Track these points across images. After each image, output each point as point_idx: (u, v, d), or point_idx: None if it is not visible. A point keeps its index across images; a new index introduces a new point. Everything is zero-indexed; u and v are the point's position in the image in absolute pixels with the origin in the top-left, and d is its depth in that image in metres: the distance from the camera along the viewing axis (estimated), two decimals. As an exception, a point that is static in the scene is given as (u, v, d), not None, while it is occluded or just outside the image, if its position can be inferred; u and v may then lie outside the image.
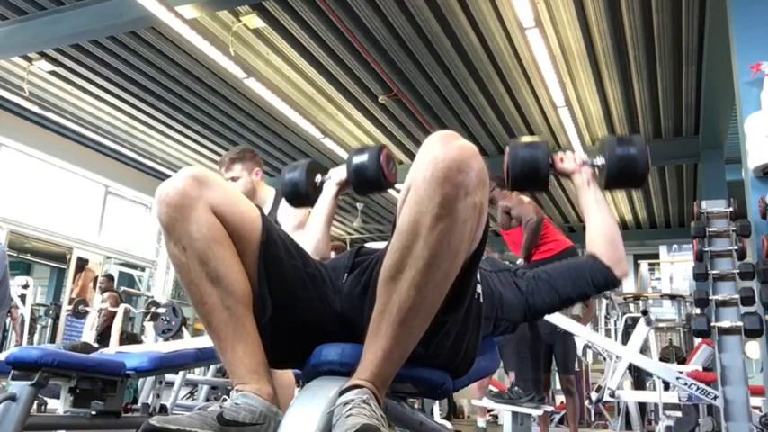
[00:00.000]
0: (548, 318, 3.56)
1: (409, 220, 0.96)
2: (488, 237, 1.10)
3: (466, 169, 0.94)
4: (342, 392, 0.97)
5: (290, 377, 2.14)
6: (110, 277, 7.45)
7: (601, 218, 1.55)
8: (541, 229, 3.92)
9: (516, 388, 3.50)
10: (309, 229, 1.73)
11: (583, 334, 4.21)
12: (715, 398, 3.26)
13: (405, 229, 0.97)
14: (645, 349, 7.87)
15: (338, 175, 1.73)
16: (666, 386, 6.24)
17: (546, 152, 1.55)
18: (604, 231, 1.53)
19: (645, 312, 3.72)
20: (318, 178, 1.78)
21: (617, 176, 1.53)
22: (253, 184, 2.84)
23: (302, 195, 1.78)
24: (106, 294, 6.87)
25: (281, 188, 1.84)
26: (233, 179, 2.80)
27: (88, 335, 6.56)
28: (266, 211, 2.75)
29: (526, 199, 4.12)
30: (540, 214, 3.99)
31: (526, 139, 1.61)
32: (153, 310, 4.78)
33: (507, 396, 3.52)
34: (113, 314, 6.33)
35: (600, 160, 1.57)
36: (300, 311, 1.17)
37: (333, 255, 1.64)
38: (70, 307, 7.31)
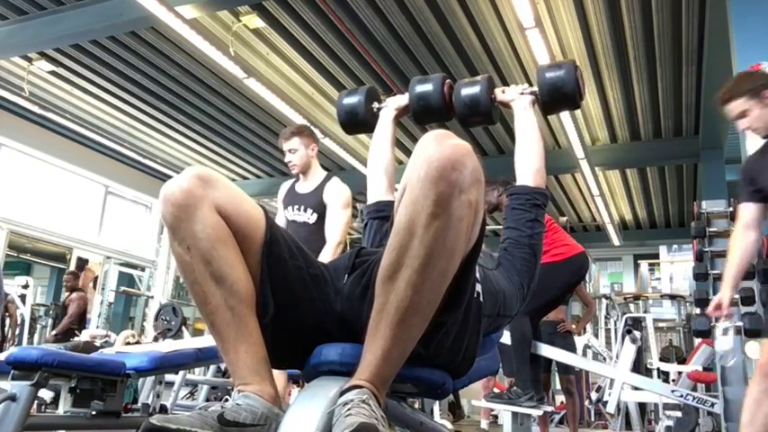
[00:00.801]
0: (545, 353, 3.58)
1: (405, 220, 0.96)
2: (489, 238, 1.10)
3: (460, 168, 0.94)
4: (342, 393, 0.97)
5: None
6: (75, 275, 7.13)
7: (527, 135, 1.67)
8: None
9: (515, 388, 3.50)
10: (375, 152, 1.79)
11: (576, 363, 4.19)
12: (712, 405, 3.25)
13: (400, 229, 0.97)
14: (645, 349, 7.88)
15: (396, 101, 1.80)
16: (666, 386, 6.23)
17: (487, 86, 1.67)
18: (528, 150, 1.65)
19: (629, 331, 3.70)
20: (375, 105, 1.82)
21: (549, 99, 1.66)
22: (308, 158, 3.11)
23: (359, 121, 1.82)
24: (74, 295, 6.65)
25: (337, 111, 1.87)
26: (291, 151, 3.08)
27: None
28: (311, 189, 3.07)
29: None
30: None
31: (469, 78, 1.73)
32: (160, 340, 4.72)
33: (506, 396, 3.52)
34: (80, 314, 6.27)
35: (535, 87, 1.69)
36: (302, 312, 1.17)
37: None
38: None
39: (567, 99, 1.66)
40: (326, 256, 2.85)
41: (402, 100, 1.78)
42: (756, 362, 2.22)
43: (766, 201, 2.40)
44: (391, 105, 1.80)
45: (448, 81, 1.72)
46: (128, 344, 5.94)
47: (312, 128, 3.24)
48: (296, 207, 3.15)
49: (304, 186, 3.18)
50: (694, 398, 3.10)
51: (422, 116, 1.75)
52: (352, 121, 1.81)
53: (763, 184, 2.33)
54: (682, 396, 3.20)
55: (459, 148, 0.95)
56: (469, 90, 1.67)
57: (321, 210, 3.06)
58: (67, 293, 6.78)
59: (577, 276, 3.72)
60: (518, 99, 1.71)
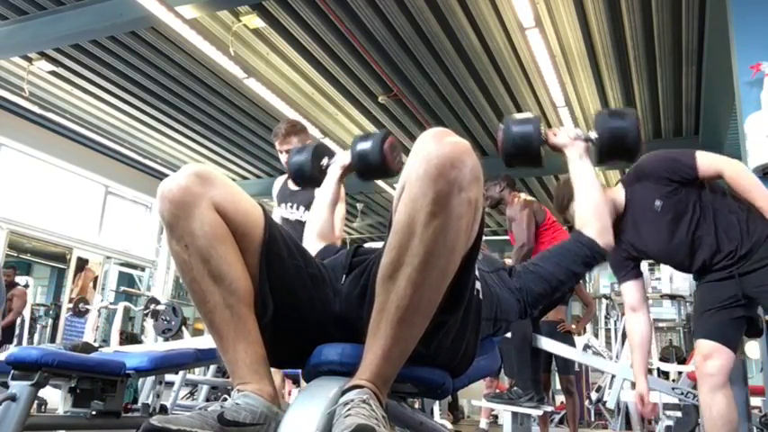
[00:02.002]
0: (545, 347, 3.57)
1: (404, 218, 0.96)
2: (487, 238, 1.10)
3: (459, 165, 0.93)
4: (343, 393, 0.97)
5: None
6: (14, 268, 6.98)
7: (589, 189, 1.57)
8: (530, 256, 3.88)
9: (515, 388, 3.50)
10: (314, 213, 1.76)
11: (578, 358, 4.19)
12: None
13: (400, 227, 0.97)
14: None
15: (343, 159, 1.75)
16: (666, 386, 6.22)
17: (538, 127, 1.57)
18: (591, 203, 1.55)
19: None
20: (325, 161, 1.80)
21: (608, 149, 1.56)
22: None
23: (307, 177, 1.81)
24: (17, 290, 6.50)
25: (288, 168, 1.88)
26: (288, 151, 3.00)
27: (90, 335, 6.56)
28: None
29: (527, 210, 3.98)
30: (532, 232, 3.88)
31: (518, 115, 1.64)
32: (153, 307, 4.77)
33: (507, 396, 3.52)
34: (19, 311, 6.21)
35: (593, 134, 1.59)
36: (301, 311, 1.17)
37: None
38: (71, 306, 7.18)
39: (627, 151, 1.56)
40: (338, 221, 2.80)
41: (347, 157, 1.72)
42: (696, 367, 2.26)
43: (641, 274, 2.43)
44: (338, 162, 1.75)
45: (390, 138, 1.65)
46: (128, 336, 5.95)
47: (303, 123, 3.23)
48: (289, 205, 3.12)
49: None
50: (694, 395, 3.10)
51: (363, 174, 1.69)
52: (301, 177, 1.81)
53: (643, 249, 2.33)
54: (682, 393, 3.20)
55: (458, 146, 0.95)
56: (521, 128, 1.56)
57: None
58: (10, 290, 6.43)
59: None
60: (571, 145, 1.61)
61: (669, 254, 2.30)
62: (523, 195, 3.99)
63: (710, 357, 2.18)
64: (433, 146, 0.95)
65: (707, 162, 2.20)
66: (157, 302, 4.90)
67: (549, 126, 7.65)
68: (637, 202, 2.30)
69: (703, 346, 2.20)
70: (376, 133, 1.68)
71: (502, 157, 1.60)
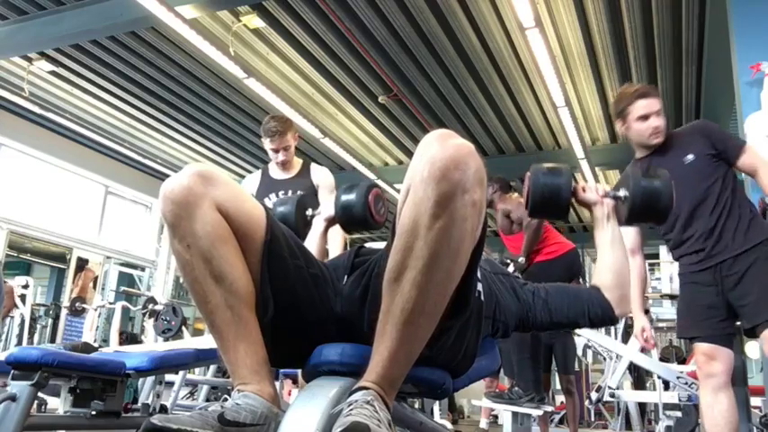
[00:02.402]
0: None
1: (409, 221, 0.96)
2: (488, 238, 1.10)
3: (463, 167, 0.93)
4: (350, 394, 0.96)
5: None
6: None
7: (613, 254, 1.50)
8: (542, 230, 3.90)
9: (516, 388, 3.50)
10: None
11: (588, 335, 4.23)
12: None
13: (405, 230, 0.96)
14: (645, 349, 7.88)
15: (327, 210, 1.71)
16: (666, 386, 6.23)
17: (569, 180, 1.50)
18: (615, 269, 1.49)
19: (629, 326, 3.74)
20: (309, 212, 1.76)
21: (640, 210, 1.48)
22: (292, 150, 3.13)
23: (292, 228, 1.76)
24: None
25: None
26: (286, 148, 3.05)
27: (88, 335, 6.55)
28: (294, 174, 3.11)
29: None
30: None
31: (549, 165, 1.56)
32: (151, 307, 4.76)
33: (507, 396, 3.52)
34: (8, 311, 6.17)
35: (623, 192, 1.52)
36: (302, 312, 1.17)
37: None
38: (69, 305, 7.15)
39: (658, 213, 1.48)
40: (337, 248, 2.74)
41: (331, 209, 1.69)
42: (697, 368, 2.29)
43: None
44: (322, 215, 1.72)
45: (375, 190, 1.60)
46: (127, 336, 5.95)
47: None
48: (281, 193, 3.06)
49: (282, 173, 3.14)
50: (698, 387, 3.11)
51: (347, 226, 1.66)
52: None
53: None
54: (687, 383, 3.22)
55: (461, 148, 0.95)
56: (551, 180, 1.49)
57: (311, 191, 3.00)
58: None
59: (570, 272, 3.82)
60: (600, 203, 1.53)
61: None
62: (514, 195, 4.04)
63: (713, 358, 2.20)
64: (437, 148, 0.95)
65: (751, 156, 2.30)
66: (155, 302, 4.90)
67: (559, 146, 7.66)
68: (662, 158, 2.37)
69: (704, 347, 2.23)
70: (360, 184, 1.64)
71: (527, 207, 1.53)
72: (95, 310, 6.83)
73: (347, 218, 1.62)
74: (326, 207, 1.73)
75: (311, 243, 1.71)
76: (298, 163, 3.17)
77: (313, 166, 3.19)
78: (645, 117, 2.35)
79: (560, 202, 1.48)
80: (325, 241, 1.76)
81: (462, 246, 0.97)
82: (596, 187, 1.56)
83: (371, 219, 1.59)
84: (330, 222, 1.72)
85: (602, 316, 1.43)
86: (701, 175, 2.29)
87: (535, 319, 1.44)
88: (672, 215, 2.24)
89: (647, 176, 1.49)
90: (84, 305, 6.90)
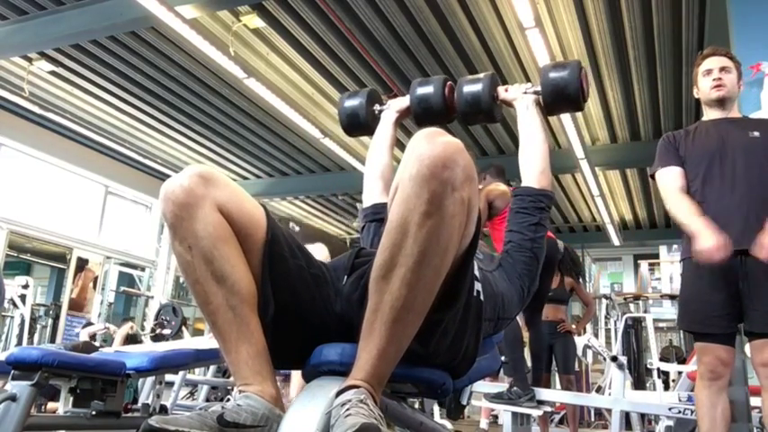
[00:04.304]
0: None
1: (398, 219, 0.96)
2: (487, 238, 1.10)
3: (451, 165, 0.94)
4: (339, 393, 0.96)
5: None
6: None
7: (531, 135, 1.63)
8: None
9: (515, 388, 3.50)
10: (373, 156, 1.78)
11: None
12: None
13: (394, 228, 0.97)
14: (645, 349, 7.88)
15: (398, 104, 1.78)
16: (666, 386, 6.23)
17: (489, 84, 1.64)
18: (532, 146, 1.61)
19: (614, 358, 3.67)
20: (377, 107, 1.81)
21: (552, 99, 1.63)
22: None
23: (361, 123, 1.82)
24: None
25: (339, 114, 1.87)
26: None
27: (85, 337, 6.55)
28: None
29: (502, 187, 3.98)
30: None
31: (472, 75, 1.71)
32: (159, 331, 4.72)
33: (506, 396, 3.52)
34: None
35: (538, 87, 1.66)
36: (303, 312, 1.17)
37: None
38: (82, 333, 7.01)
39: (569, 100, 1.63)
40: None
41: (403, 102, 1.76)
42: (699, 369, 2.24)
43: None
44: (393, 107, 1.78)
45: (449, 83, 1.70)
46: (128, 337, 5.95)
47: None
48: None
49: None
50: (692, 411, 3.11)
51: (423, 118, 1.73)
52: (354, 123, 1.81)
53: (681, 154, 2.38)
54: (680, 412, 3.23)
55: (450, 146, 0.95)
56: (472, 87, 1.64)
57: None
58: None
59: (548, 263, 3.75)
60: (520, 98, 1.68)
61: (723, 161, 2.27)
62: (502, 186, 3.90)
63: (726, 363, 2.18)
64: (426, 146, 0.95)
65: None
66: (162, 326, 4.84)
67: (559, 146, 7.68)
68: (730, 125, 2.34)
69: (718, 349, 2.19)
70: (435, 78, 1.72)
71: (459, 116, 1.67)
72: (102, 331, 6.83)
73: (424, 110, 1.71)
74: (397, 101, 1.80)
75: (383, 134, 1.79)
76: None
77: None
78: (708, 71, 2.38)
79: (482, 105, 1.64)
80: (395, 133, 1.81)
81: (451, 243, 0.98)
82: (517, 87, 1.71)
83: (448, 110, 1.70)
84: (402, 114, 1.79)
85: (535, 199, 1.53)
86: (765, 150, 2.25)
87: (524, 269, 1.47)
88: (716, 166, 2.26)
89: (556, 68, 1.65)
90: (95, 325, 6.88)
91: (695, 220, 2.16)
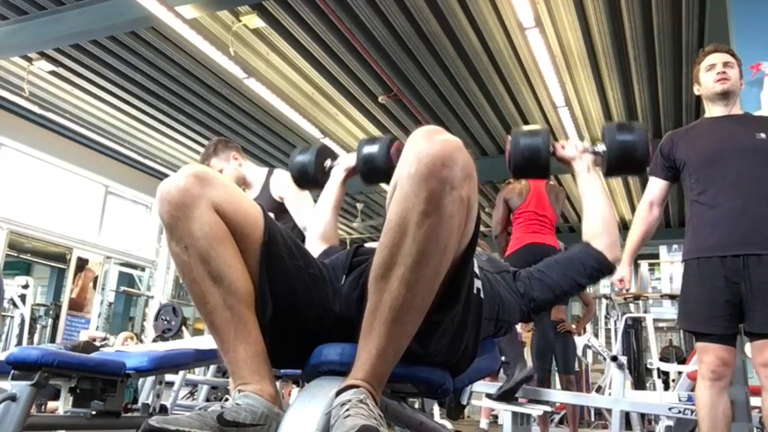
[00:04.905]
0: None
1: (396, 217, 0.96)
2: (486, 238, 1.10)
3: (450, 164, 0.93)
4: (338, 393, 0.96)
5: None
6: None
7: (597, 203, 1.55)
8: (502, 244, 3.97)
9: (509, 371, 3.48)
10: (317, 215, 1.74)
11: None
12: None
13: (392, 227, 0.96)
14: (645, 349, 7.88)
15: (347, 161, 1.74)
16: (666, 386, 6.22)
17: (547, 139, 1.56)
18: (601, 216, 1.53)
19: (614, 358, 3.67)
20: (328, 163, 1.79)
21: (617, 162, 1.55)
22: (237, 171, 2.83)
23: (310, 178, 1.79)
24: None
25: (289, 168, 1.84)
26: (220, 171, 2.77)
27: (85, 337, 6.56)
28: (258, 192, 2.79)
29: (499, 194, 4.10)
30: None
31: (527, 127, 1.63)
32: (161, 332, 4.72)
33: (503, 388, 3.49)
34: None
35: (601, 147, 1.58)
36: (301, 312, 1.16)
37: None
38: (85, 339, 7.04)
39: (635, 165, 1.54)
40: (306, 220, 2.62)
41: (351, 160, 1.71)
42: (700, 369, 2.24)
43: (675, 180, 2.46)
44: (341, 165, 1.74)
45: (396, 143, 1.65)
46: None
47: (225, 139, 2.95)
48: None
49: (249, 194, 2.87)
50: (692, 411, 3.11)
51: (368, 177, 1.69)
52: (304, 178, 1.79)
53: (680, 157, 2.38)
54: (680, 412, 3.23)
55: (449, 144, 0.95)
56: (530, 141, 1.56)
57: (276, 207, 2.78)
58: None
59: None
60: (579, 158, 1.59)
61: (727, 162, 2.27)
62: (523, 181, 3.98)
63: (728, 364, 2.17)
64: (424, 144, 0.95)
65: None
66: (168, 331, 4.82)
67: (556, 138, 7.70)
68: (734, 124, 2.34)
69: (720, 350, 2.18)
70: (382, 137, 1.68)
71: (510, 169, 1.58)
72: (102, 337, 6.83)
73: (368, 169, 1.66)
74: (346, 158, 1.76)
75: (329, 193, 1.75)
76: (261, 175, 2.87)
77: (274, 175, 2.83)
78: (711, 66, 2.38)
79: (540, 161, 1.54)
80: (343, 192, 1.77)
81: (450, 242, 0.97)
82: (575, 144, 1.61)
83: (393, 170, 1.62)
84: (350, 173, 1.75)
85: (599, 267, 1.45)
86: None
87: (537, 300, 1.44)
88: (720, 167, 2.27)
89: (623, 130, 1.56)
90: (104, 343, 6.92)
91: (628, 248, 2.55)
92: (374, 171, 1.65)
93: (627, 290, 2.70)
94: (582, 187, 1.59)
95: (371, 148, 1.65)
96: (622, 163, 1.54)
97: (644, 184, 8.74)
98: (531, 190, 3.92)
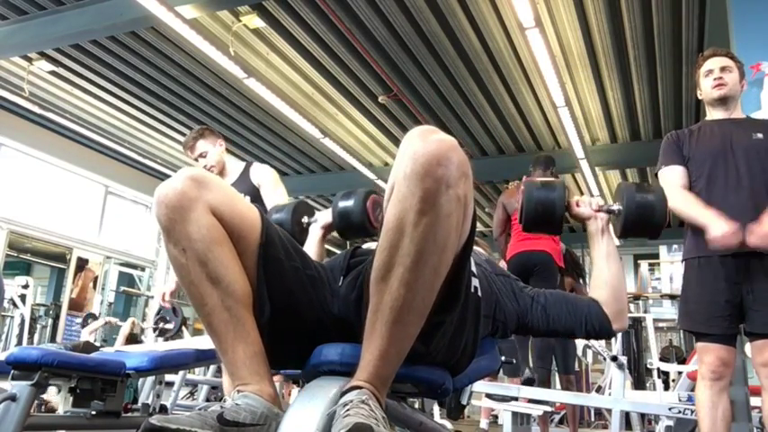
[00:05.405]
0: None
1: (394, 218, 0.96)
2: (485, 237, 1.10)
3: (445, 162, 0.93)
4: (342, 394, 0.97)
5: None
6: None
7: (609, 269, 1.49)
8: (501, 248, 4.12)
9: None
10: None
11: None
12: None
13: (390, 228, 0.96)
14: (645, 349, 7.88)
15: (324, 218, 1.71)
16: (666, 386, 6.22)
17: (563, 195, 1.50)
18: (611, 282, 1.48)
19: (614, 358, 3.67)
20: (305, 219, 1.75)
21: (633, 224, 1.48)
22: (220, 156, 3.06)
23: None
24: None
25: None
26: (201, 156, 3.03)
27: (88, 337, 6.55)
28: (235, 179, 2.98)
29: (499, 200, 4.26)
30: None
31: (543, 179, 1.57)
32: (162, 326, 4.72)
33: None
34: None
35: (617, 206, 1.52)
36: (299, 313, 1.17)
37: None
38: (80, 320, 7.10)
39: (651, 228, 1.48)
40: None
41: (328, 216, 1.70)
42: (700, 369, 2.24)
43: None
44: (319, 222, 1.72)
45: (372, 196, 1.62)
46: (129, 336, 5.96)
47: (210, 127, 3.19)
48: None
49: (225, 180, 3.05)
50: (692, 411, 3.11)
51: (345, 233, 1.67)
52: None
53: (685, 153, 2.37)
54: (680, 412, 3.23)
55: (444, 143, 0.95)
56: (544, 195, 1.49)
57: (253, 192, 2.95)
58: None
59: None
60: (594, 218, 1.52)
61: (726, 162, 2.27)
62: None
63: (728, 364, 2.18)
64: (419, 144, 0.95)
65: None
66: (165, 321, 4.84)
67: (559, 146, 7.67)
68: (733, 125, 2.34)
69: (720, 350, 2.19)
70: (358, 191, 1.65)
71: (521, 221, 1.52)
72: (103, 326, 6.83)
73: (345, 224, 1.63)
74: (323, 215, 1.73)
75: (309, 251, 1.70)
76: (239, 166, 3.09)
77: (254, 166, 3.07)
78: (709, 71, 2.39)
79: (554, 218, 1.48)
80: (323, 248, 1.75)
81: (448, 241, 0.97)
82: (590, 201, 1.55)
83: (370, 225, 1.60)
84: (327, 230, 1.72)
85: (599, 330, 1.43)
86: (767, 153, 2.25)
87: (532, 324, 1.43)
88: (720, 167, 2.27)
89: (642, 191, 1.50)
90: (96, 321, 6.91)
91: (704, 213, 2.19)
92: (350, 227, 1.62)
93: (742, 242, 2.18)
94: (594, 249, 1.53)
95: (347, 203, 1.61)
96: (638, 225, 1.48)
97: (642, 179, 8.76)
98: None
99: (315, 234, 1.72)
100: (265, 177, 2.99)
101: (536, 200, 1.48)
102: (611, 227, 1.53)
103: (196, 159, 3.08)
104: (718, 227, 2.11)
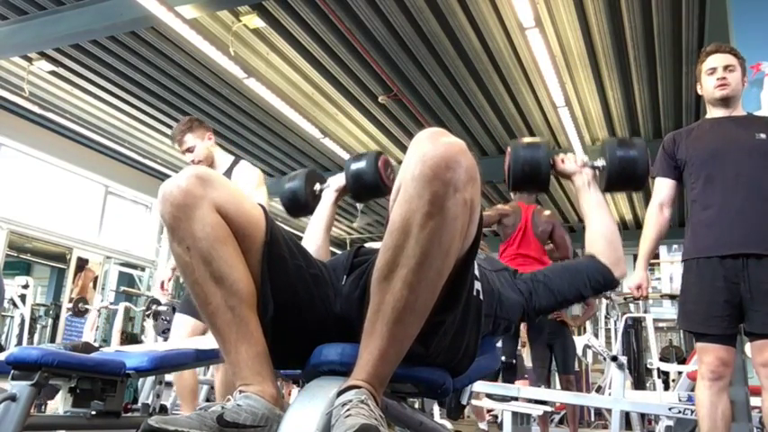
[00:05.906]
0: None
1: (400, 219, 0.96)
2: (486, 237, 1.10)
3: (454, 166, 0.93)
4: (339, 393, 0.96)
5: None
6: None
7: (600, 219, 1.55)
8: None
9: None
10: (309, 236, 1.75)
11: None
12: None
13: (396, 228, 0.96)
14: (645, 349, 7.88)
15: (337, 182, 1.75)
16: (666, 386, 6.23)
17: (547, 153, 1.55)
18: (604, 233, 1.53)
19: (614, 358, 3.67)
20: (317, 186, 1.79)
21: (617, 178, 1.54)
22: (208, 150, 3.01)
23: (301, 204, 1.79)
24: None
25: (280, 196, 1.85)
26: (189, 150, 2.97)
27: (88, 335, 6.56)
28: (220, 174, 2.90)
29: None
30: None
31: (527, 139, 1.61)
32: (154, 308, 4.77)
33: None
34: None
35: (600, 162, 1.57)
36: (302, 312, 1.17)
37: None
38: (70, 305, 7.18)
39: (635, 180, 1.54)
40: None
41: (341, 180, 1.73)
42: (700, 369, 2.24)
43: (680, 179, 2.46)
44: (332, 186, 1.76)
45: (383, 157, 1.68)
46: (127, 336, 5.96)
47: (200, 119, 3.13)
48: None
49: None
50: (692, 411, 3.11)
51: (360, 194, 1.71)
52: (295, 205, 1.79)
53: (681, 156, 2.39)
54: (680, 412, 3.23)
55: (453, 147, 0.95)
56: (530, 154, 1.54)
57: None
58: None
59: None
60: (579, 173, 1.59)
61: (726, 162, 2.27)
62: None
63: (727, 364, 2.18)
64: (429, 146, 0.95)
65: None
66: (159, 303, 4.90)
67: (558, 144, 7.68)
68: (734, 125, 2.34)
69: (720, 350, 2.19)
70: (369, 153, 1.69)
71: (508, 181, 1.57)
72: (97, 311, 6.84)
73: (359, 185, 1.67)
74: (336, 179, 1.77)
75: (321, 216, 1.76)
76: (227, 161, 3.07)
77: (240, 164, 3.05)
78: (713, 70, 2.38)
79: (540, 175, 1.53)
80: (334, 212, 1.78)
81: (453, 244, 0.98)
82: (574, 158, 1.61)
83: (383, 184, 1.64)
84: (341, 192, 1.76)
85: (603, 282, 1.46)
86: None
87: (540, 304, 1.44)
88: (719, 167, 2.28)
89: (624, 145, 1.55)
90: (87, 306, 6.91)
91: (642, 256, 2.60)
92: (365, 187, 1.66)
93: (645, 297, 2.68)
94: (583, 203, 1.59)
95: (359, 165, 1.66)
96: (622, 178, 1.54)
97: (645, 189, 8.79)
98: (518, 227, 3.96)
99: (328, 198, 1.76)
100: (245, 177, 2.94)
101: (522, 159, 1.54)
102: (596, 183, 1.59)
103: (184, 153, 3.05)
104: (634, 277, 2.59)
